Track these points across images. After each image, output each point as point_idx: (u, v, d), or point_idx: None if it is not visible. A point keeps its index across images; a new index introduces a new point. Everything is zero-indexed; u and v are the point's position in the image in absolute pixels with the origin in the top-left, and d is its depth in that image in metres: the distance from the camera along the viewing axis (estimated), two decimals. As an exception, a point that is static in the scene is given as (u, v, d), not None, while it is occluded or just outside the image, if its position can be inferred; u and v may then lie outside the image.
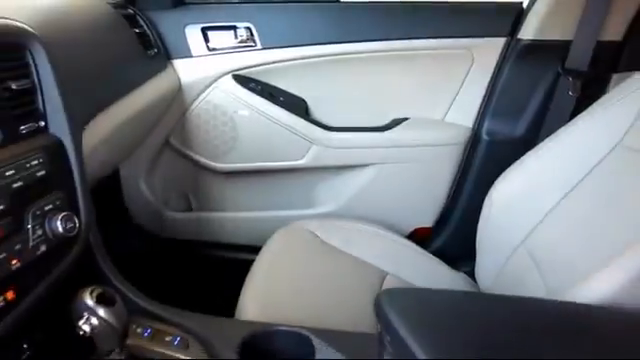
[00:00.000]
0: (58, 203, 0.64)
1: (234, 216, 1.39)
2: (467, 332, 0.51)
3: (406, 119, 1.31)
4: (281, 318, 0.79)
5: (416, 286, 1.00)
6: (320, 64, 1.26)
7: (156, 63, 1.15)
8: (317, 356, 0.68)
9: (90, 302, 0.61)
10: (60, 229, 0.63)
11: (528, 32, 1.18)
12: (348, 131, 1.30)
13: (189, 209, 1.41)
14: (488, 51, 1.24)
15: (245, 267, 0.99)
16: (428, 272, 1.08)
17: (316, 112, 1.33)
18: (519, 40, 1.20)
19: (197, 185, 1.38)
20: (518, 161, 0.98)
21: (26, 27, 0.65)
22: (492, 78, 1.26)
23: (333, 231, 1.10)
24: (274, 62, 1.25)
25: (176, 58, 1.22)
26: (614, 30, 1.15)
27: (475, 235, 1.03)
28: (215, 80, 1.23)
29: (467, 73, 1.27)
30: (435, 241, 1.37)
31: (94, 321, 0.60)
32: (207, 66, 1.23)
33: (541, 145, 0.95)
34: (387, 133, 1.28)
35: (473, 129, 1.29)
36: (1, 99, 0.60)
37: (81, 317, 0.60)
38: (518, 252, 0.92)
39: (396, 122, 1.31)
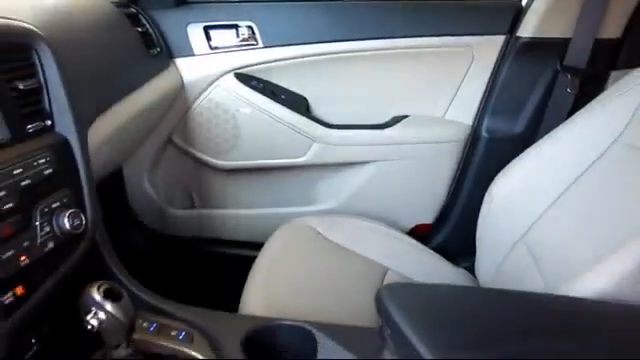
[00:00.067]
0: (65, 201, 0.65)
1: (236, 213, 1.40)
2: (467, 326, 0.51)
3: (406, 117, 1.32)
4: (284, 313, 0.80)
5: (417, 281, 1.01)
6: (321, 62, 1.26)
7: (158, 62, 1.16)
8: (319, 350, 0.69)
9: (98, 297, 0.62)
10: (67, 226, 0.64)
11: (527, 30, 1.19)
12: (349, 129, 1.31)
13: (192, 206, 1.42)
14: (488, 49, 1.25)
15: (247, 263, 1.00)
16: (428, 268, 1.09)
17: (317, 110, 1.34)
18: (518, 38, 1.20)
19: (199, 183, 1.39)
20: (517, 158, 0.98)
21: (32, 28, 0.66)
22: (492, 76, 1.26)
23: (334, 227, 1.11)
24: (275, 60, 1.25)
25: (178, 57, 1.22)
26: (612, 28, 1.15)
27: (475, 231, 1.03)
28: (217, 78, 1.23)
29: (467, 71, 1.27)
30: (435, 237, 1.38)
31: (102, 316, 0.61)
32: (209, 64, 1.23)
33: (540, 142, 0.96)
34: (387, 130, 1.29)
35: (473, 126, 1.30)
36: (8, 99, 0.61)
37: (89, 312, 0.61)
38: (517, 248, 0.93)
39: (396, 120, 1.31)
